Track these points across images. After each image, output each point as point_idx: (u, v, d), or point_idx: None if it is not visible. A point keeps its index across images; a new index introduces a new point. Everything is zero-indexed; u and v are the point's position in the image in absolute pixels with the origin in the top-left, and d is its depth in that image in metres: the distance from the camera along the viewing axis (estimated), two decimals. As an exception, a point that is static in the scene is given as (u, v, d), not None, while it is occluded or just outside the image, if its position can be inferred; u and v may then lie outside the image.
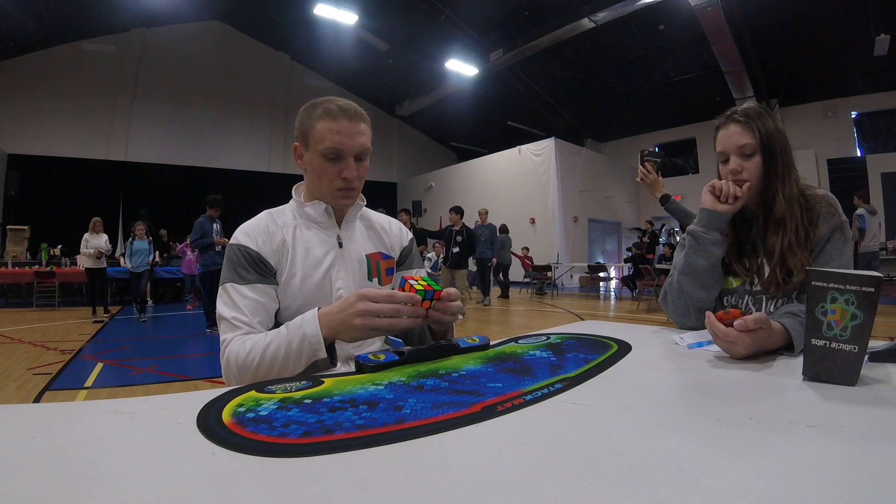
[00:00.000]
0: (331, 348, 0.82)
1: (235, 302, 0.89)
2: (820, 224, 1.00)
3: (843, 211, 1.03)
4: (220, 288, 0.92)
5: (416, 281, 0.81)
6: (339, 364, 0.85)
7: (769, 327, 0.80)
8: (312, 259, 0.97)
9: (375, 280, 1.05)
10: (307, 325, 0.81)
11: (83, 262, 6.59)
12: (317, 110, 0.94)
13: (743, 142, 1.02)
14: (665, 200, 2.40)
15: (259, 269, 0.92)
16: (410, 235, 1.16)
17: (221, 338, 0.89)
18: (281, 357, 0.81)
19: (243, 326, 0.87)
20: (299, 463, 0.41)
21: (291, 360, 0.80)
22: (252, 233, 0.95)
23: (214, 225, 5.14)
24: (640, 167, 2.33)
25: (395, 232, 1.12)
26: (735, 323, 0.76)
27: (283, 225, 0.99)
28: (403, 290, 0.79)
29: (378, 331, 0.79)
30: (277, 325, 0.97)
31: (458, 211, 6.79)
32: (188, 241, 6.72)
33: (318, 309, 0.82)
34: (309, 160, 0.97)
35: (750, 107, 1.06)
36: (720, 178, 1.10)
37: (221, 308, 0.90)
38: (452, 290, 0.85)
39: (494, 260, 8.05)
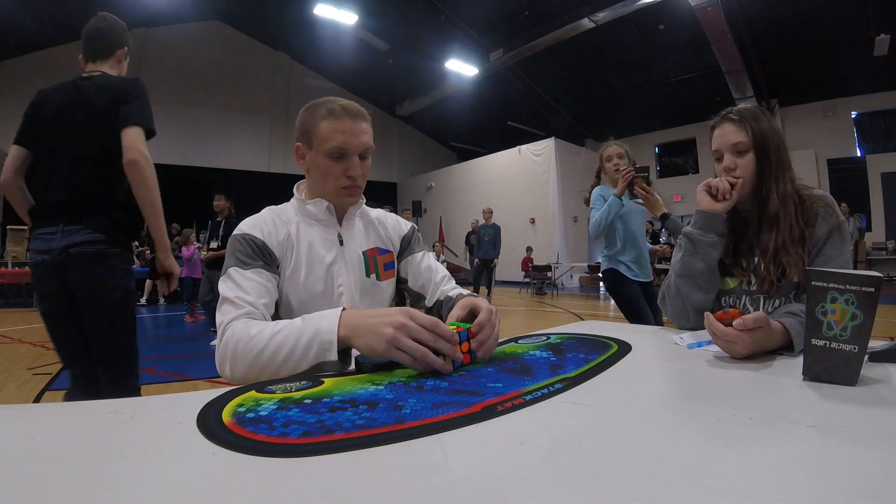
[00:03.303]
0: (345, 353, 0.75)
1: (239, 283, 0.86)
2: (818, 224, 1.01)
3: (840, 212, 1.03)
4: (222, 276, 0.90)
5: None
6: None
7: (768, 326, 0.80)
8: (315, 255, 0.98)
9: (373, 276, 1.05)
10: (325, 319, 0.74)
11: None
12: (319, 110, 0.95)
13: (736, 139, 1.04)
14: (665, 218, 2.43)
15: (264, 258, 0.92)
16: (411, 224, 1.16)
17: (219, 319, 0.83)
18: (287, 348, 0.73)
19: (246, 306, 0.83)
20: (299, 463, 0.41)
21: (297, 354, 0.73)
22: (257, 224, 0.96)
23: None
24: (638, 188, 2.37)
25: (391, 223, 1.13)
26: (734, 322, 0.76)
27: (287, 220, 1.00)
28: None
29: (402, 353, 0.68)
30: (274, 319, 0.97)
31: None
32: (198, 243, 6.59)
33: (344, 309, 0.76)
34: (313, 160, 0.98)
35: (745, 107, 1.07)
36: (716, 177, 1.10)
37: (224, 290, 0.86)
38: (482, 315, 0.79)
39: (496, 261, 8.04)
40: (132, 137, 1.45)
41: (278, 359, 0.74)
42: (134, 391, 1.54)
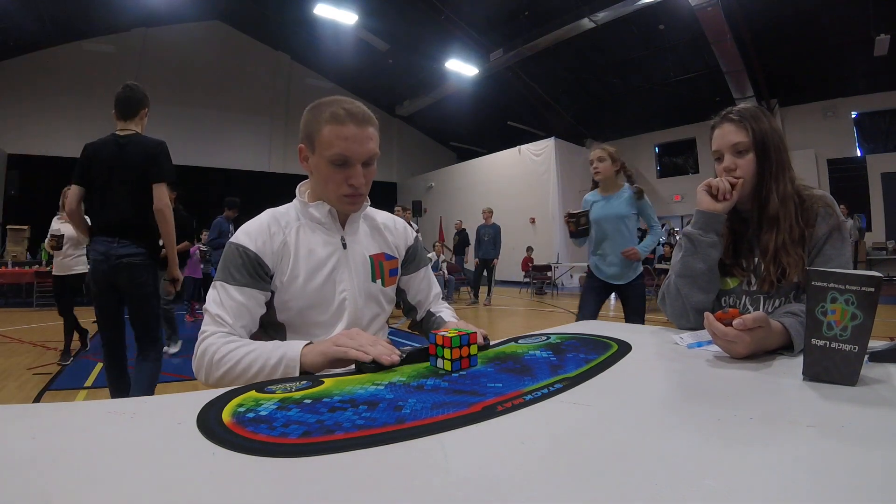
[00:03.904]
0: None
1: (222, 301, 0.90)
2: (818, 224, 1.01)
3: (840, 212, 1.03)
4: (214, 280, 0.94)
5: (446, 332, 0.75)
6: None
7: (768, 326, 0.80)
8: (315, 261, 0.96)
9: (379, 281, 1.04)
10: (291, 346, 0.82)
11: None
12: (323, 113, 0.91)
13: (736, 140, 1.03)
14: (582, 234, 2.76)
15: (252, 272, 0.92)
16: (415, 234, 1.16)
17: (202, 327, 0.89)
18: (255, 369, 0.81)
19: (225, 326, 0.88)
20: (299, 463, 0.41)
21: (265, 373, 0.81)
22: (253, 232, 0.95)
23: (231, 226, 5.32)
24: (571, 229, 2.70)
25: (399, 231, 1.12)
26: (734, 322, 0.76)
27: (286, 225, 0.98)
28: (435, 345, 0.74)
29: (340, 348, 0.77)
30: (274, 325, 0.97)
31: None
32: (203, 242, 6.60)
33: (310, 342, 0.84)
34: (315, 164, 0.95)
35: (745, 107, 1.07)
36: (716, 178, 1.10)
37: (209, 302, 0.91)
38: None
39: (496, 261, 8.04)
40: (160, 192, 2.13)
41: (247, 375, 0.82)
42: (158, 361, 2.25)
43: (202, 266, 6.33)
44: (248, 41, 13.97)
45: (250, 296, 0.91)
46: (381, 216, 1.12)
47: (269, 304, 0.95)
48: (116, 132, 2.17)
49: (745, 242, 1.09)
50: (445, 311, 1.15)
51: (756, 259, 1.06)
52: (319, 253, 0.97)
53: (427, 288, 1.16)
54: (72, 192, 2.17)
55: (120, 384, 2.22)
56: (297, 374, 0.79)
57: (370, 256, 1.03)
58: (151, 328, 2.23)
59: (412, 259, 1.13)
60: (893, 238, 10.15)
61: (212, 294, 0.92)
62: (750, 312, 1.01)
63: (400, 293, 1.14)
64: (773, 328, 0.81)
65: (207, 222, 6.51)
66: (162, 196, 2.13)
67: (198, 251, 6.22)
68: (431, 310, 1.15)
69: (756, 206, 1.06)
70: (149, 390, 2.20)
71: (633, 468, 0.40)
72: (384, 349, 0.75)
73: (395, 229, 1.11)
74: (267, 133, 14.45)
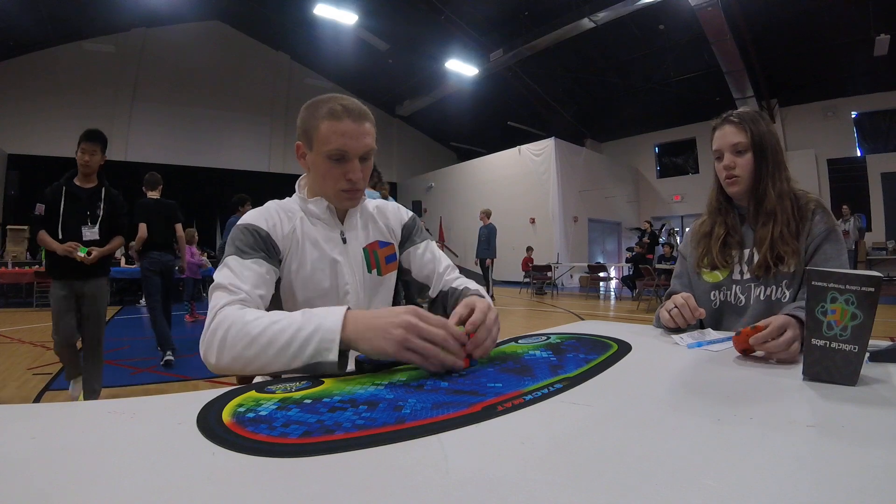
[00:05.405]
0: (344, 356, 0.70)
1: (236, 272, 0.83)
2: (815, 221, 1.06)
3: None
4: (220, 264, 0.87)
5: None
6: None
7: (795, 327, 0.80)
8: (319, 254, 0.97)
9: (374, 271, 1.03)
10: (329, 315, 0.70)
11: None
12: (320, 110, 0.92)
13: (736, 140, 1.10)
14: None
15: (265, 248, 0.89)
16: (412, 213, 1.14)
17: (212, 304, 0.78)
18: (282, 341, 0.68)
19: (241, 293, 0.79)
20: (299, 463, 0.41)
21: (293, 349, 0.68)
22: (262, 215, 0.94)
23: None
24: None
25: (391, 211, 1.10)
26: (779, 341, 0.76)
27: (292, 215, 0.98)
28: None
29: (413, 354, 0.66)
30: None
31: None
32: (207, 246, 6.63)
33: (349, 308, 0.72)
34: (312, 160, 0.96)
35: (745, 110, 1.13)
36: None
37: (219, 278, 0.82)
38: (475, 314, 0.77)
39: (490, 261, 8.06)
40: (179, 228, 3.95)
41: (271, 351, 0.69)
42: (170, 313, 4.05)
43: (201, 267, 6.37)
44: (248, 41, 13.98)
45: (267, 269, 0.86)
46: (372, 203, 1.10)
47: (276, 291, 0.94)
48: (151, 197, 3.86)
49: (735, 234, 1.14)
50: (467, 282, 1.04)
51: (747, 251, 1.11)
52: (322, 246, 0.98)
53: (432, 259, 1.07)
54: (142, 227, 3.66)
55: (166, 329, 3.81)
56: (334, 352, 0.68)
57: (364, 248, 1.03)
58: (172, 295, 4.13)
59: (409, 234, 1.10)
60: (893, 238, 10.16)
61: (221, 272, 0.84)
62: (741, 302, 1.08)
63: (405, 274, 1.09)
64: (793, 323, 0.81)
65: (205, 222, 6.52)
66: (179, 230, 3.96)
67: (203, 257, 6.27)
68: (448, 282, 1.05)
69: (753, 202, 1.11)
70: (168, 325, 3.86)
71: (633, 468, 0.40)
72: (454, 348, 0.68)
73: (387, 211, 1.10)
74: (267, 133, 14.46)
